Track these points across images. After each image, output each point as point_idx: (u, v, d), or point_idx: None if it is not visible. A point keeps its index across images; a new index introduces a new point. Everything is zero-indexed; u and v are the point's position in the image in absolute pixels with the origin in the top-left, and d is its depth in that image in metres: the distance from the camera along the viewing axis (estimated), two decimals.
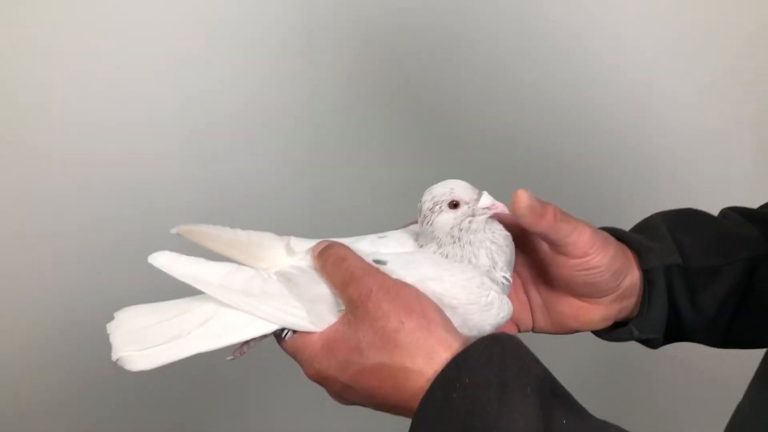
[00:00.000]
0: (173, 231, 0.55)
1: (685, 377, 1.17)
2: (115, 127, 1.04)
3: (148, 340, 0.52)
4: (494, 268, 0.56)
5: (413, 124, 1.08)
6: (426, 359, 0.48)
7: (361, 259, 0.53)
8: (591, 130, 1.06)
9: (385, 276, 0.52)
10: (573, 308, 0.60)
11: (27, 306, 1.08)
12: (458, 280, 0.54)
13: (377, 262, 0.55)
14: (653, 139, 1.07)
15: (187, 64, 1.03)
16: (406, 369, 0.48)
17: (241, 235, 0.56)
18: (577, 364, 1.16)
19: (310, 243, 0.57)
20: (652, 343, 0.63)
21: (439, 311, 0.51)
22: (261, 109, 1.06)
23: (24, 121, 1.01)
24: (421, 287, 0.52)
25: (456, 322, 0.52)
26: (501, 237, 0.57)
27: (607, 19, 1.03)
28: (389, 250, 0.58)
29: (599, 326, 0.61)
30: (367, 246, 0.58)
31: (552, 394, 0.45)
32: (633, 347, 0.68)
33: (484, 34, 1.03)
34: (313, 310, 0.53)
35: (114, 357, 0.52)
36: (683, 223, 0.63)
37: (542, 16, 1.03)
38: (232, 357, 0.55)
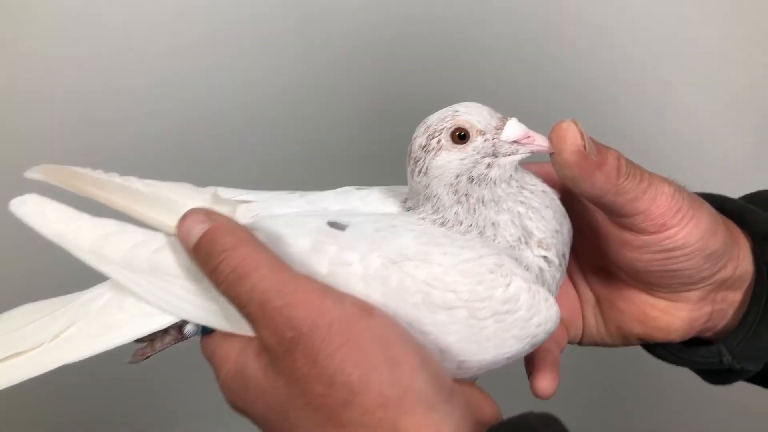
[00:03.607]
0: (28, 175, 0.38)
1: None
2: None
3: (6, 348, 0.35)
4: (525, 242, 0.36)
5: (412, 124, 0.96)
6: None
7: (273, 268, 0.33)
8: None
9: (325, 298, 0.32)
10: (640, 307, 0.41)
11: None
12: (457, 261, 0.34)
13: (333, 225, 0.35)
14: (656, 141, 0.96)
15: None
16: None
17: (136, 184, 0.38)
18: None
19: (246, 194, 0.39)
20: (731, 377, 0.43)
21: (423, 366, 0.31)
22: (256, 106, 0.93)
23: None
24: (395, 273, 0.33)
25: (457, 335, 0.33)
26: (537, 195, 0.37)
27: (611, 22, 0.93)
28: (366, 208, 0.38)
29: (677, 336, 0.41)
30: (324, 201, 0.39)
31: None
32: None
33: (488, 36, 0.92)
34: (226, 306, 0.34)
35: None
36: None
37: (554, 16, 0.93)
38: (131, 360, 0.38)
